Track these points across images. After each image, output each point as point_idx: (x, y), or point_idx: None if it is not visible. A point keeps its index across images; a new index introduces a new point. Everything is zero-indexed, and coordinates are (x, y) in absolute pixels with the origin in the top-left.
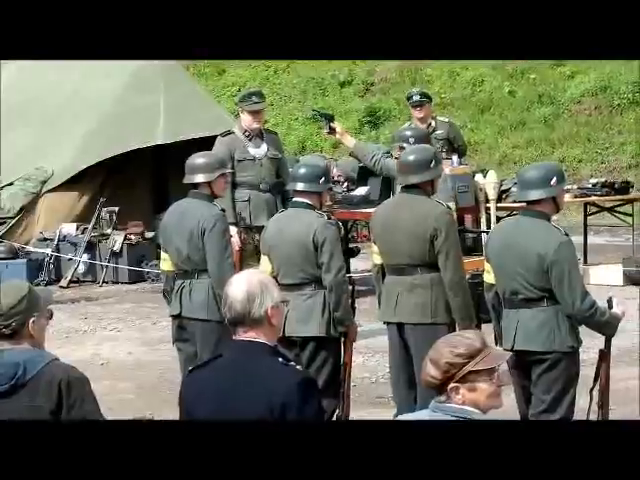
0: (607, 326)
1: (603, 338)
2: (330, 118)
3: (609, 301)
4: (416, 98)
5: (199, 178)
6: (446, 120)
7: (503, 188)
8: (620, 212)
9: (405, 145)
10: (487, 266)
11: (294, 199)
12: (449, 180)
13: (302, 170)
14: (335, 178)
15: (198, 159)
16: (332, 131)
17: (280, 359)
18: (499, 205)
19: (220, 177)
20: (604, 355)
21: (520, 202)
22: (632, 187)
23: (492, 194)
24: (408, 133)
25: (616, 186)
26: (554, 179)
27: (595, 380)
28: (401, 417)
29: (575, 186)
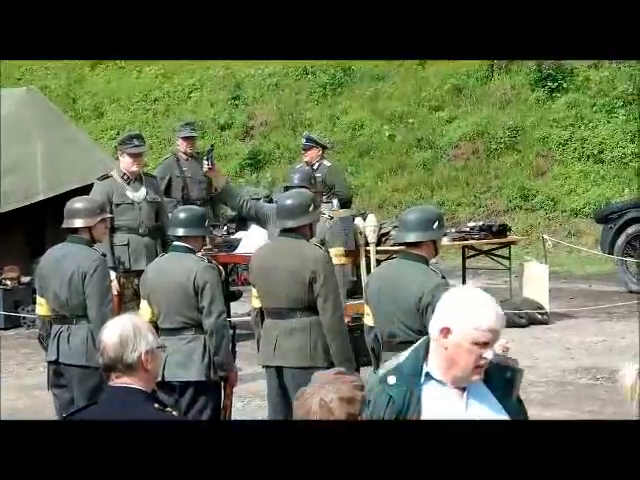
0: None
1: None
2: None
3: None
4: (302, 142)
5: (79, 223)
6: (327, 165)
7: (382, 231)
8: (497, 255)
9: (288, 184)
10: (367, 309)
11: (174, 243)
12: (340, 222)
13: (182, 215)
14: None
15: (77, 204)
16: (212, 167)
17: (156, 405)
18: (379, 248)
19: (100, 222)
20: None
21: (399, 244)
22: (509, 230)
23: (372, 237)
24: (293, 174)
25: (493, 229)
26: (435, 223)
27: None
28: None
29: (453, 229)
